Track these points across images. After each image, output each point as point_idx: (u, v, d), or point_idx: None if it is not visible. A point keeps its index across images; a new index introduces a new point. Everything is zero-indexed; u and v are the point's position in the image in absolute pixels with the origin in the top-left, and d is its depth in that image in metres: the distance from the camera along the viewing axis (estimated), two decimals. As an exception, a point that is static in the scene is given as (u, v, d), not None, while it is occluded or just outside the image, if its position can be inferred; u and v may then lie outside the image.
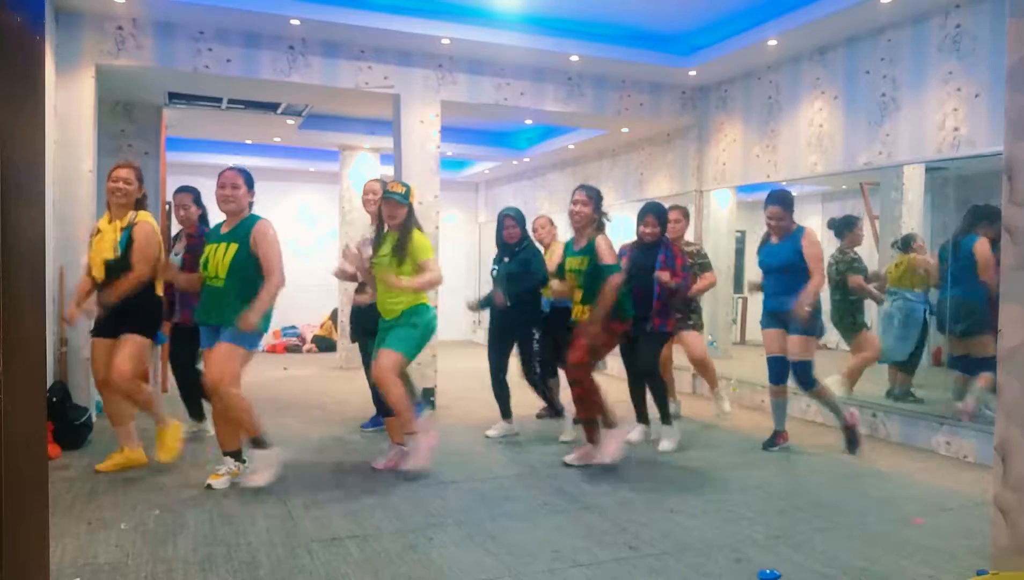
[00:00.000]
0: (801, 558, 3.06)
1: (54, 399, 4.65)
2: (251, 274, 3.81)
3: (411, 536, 3.25)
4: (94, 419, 5.02)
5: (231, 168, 3.98)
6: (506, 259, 5.23)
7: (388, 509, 3.60)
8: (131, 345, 4.04)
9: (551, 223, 5.86)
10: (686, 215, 5.75)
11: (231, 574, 2.83)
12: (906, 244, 5.72)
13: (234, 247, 3.81)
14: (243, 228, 3.87)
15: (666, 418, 4.93)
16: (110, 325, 4.11)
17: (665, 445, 4.87)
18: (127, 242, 4.03)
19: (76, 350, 5.25)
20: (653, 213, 4.91)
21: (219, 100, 7.23)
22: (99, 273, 4.04)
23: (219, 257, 3.81)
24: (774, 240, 4.90)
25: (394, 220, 4.13)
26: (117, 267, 4.02)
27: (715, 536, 3.31)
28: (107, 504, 3.59)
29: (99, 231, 4.12)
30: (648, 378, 4.92)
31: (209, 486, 3.84)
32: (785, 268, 4.81)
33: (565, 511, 3.62)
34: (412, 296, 4.12)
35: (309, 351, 10.44)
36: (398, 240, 4.12)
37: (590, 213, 4.44)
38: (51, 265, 5.03)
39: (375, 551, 3.07)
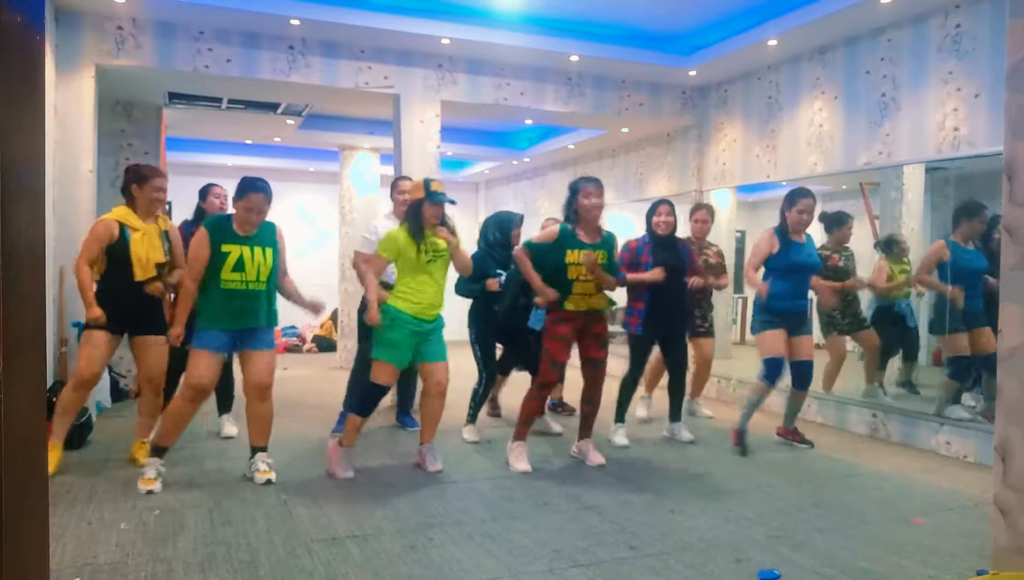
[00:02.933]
0: (801, 558, 3.06)
1: (54, 399, 4.64)
2: (277, 276, 4.03)
3: (411, 536, 3.25)
4: (94, 419, 5.03)
5: (260, 190, 3.89)
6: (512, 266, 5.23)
7: (388, 509, 3.60)
8: (164, 347, 4.23)
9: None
10: (712, 215, 5.77)
11: (231, 574, 2.83)
12: (888, 247, 5.73)
13: (271, 251, 3.94)
14: (269, 232, 4.00)
15: (622, 417, 5.08)
16: (121, 323, 4.16)
17: (620, 440, 4.99)
18: (168, 244, 4.24)
19: (76, 350, 5.24)
20: (669, 204, 5.00)
21: (219, 100, 7.23)
22: (151, 272, 4.12)
23: (260, 260, 3.88)
24: (797, 238, 4.87)
25: (437, 219, 4.18)
26: (158, 269, 4.17)
27: (715, 536, 3.31)
28: (107, 504, 3.59)
29: (135, 229, 4.10)
30: (633, 374, 5.06)
31: (269, 481, 3.96)
32: (815, 268, 4.93)
33: (565, 511, 3.62)
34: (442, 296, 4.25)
35: (309, 351, 10.44)
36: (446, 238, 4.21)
37: (603, 205, 4.44)
38: (51, 265, 5.04)
39: (375, 551, 3.07)
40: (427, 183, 4.14)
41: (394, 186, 5.23)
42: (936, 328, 5.32)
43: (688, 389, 5.66)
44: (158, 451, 3.93)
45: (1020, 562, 2.53)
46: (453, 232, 4.24)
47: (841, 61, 5.83)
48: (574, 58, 6.43)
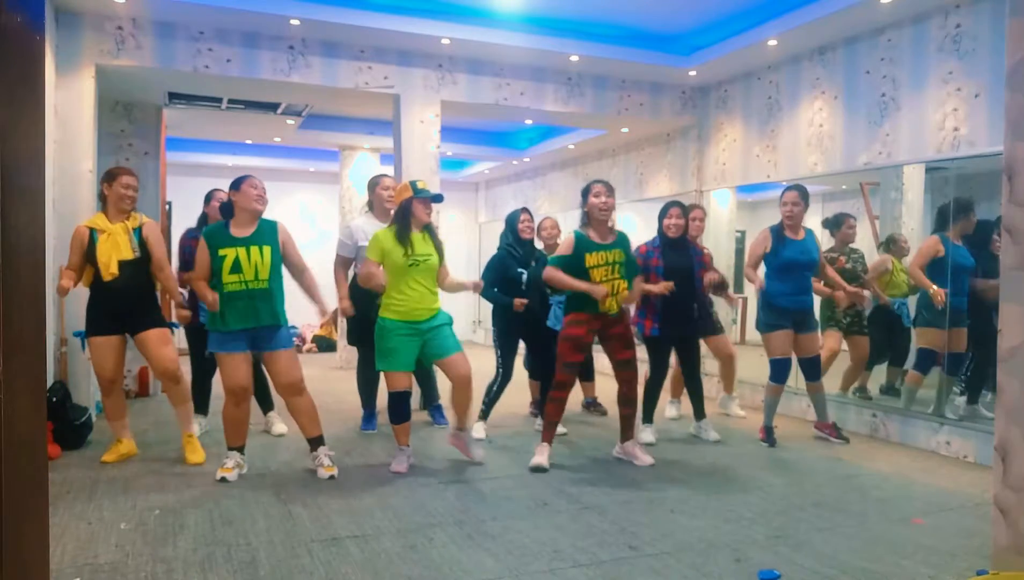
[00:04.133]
0: (801, 558, 3.06)
1: (54, 399, 4.65)
2: (281, 273, 4.07)
3: (411, 536, 3.25)
4: (94, 419, 5.03)
5: (252, 176, 4.11)
6: (533, 262, 5.24)
7: (388, 509, 3.61)
8: (165, 335, 4.35)
9: (557, 225, 5.95)
10: (705, 214, 5.82)
11: (231, 574, 2.83)
12: (887, 245, 5.75)
13: (268, 249, 3.99)
14: (268, 230, 4.06)
15: (650, 418, 5.12)
16: (118, 324, 4.26)
17: (648, 437, 5.02)
18: (141, 241, 4.26)
19: (76, 350, 5.25)
20: (680, 206, 5.02)
21: (219, 100, 7.23)
22: (114, 272, 4.17)
23: (257, 260, 3.93)
24: (792, 235, 4.89)
25: (428, 216, 4.24)
26: (133, 265, 4.21)
27: (715, 536, 3.31)
28: (107, 504, 3.59)
29: (102, 231, 4.21)
30: (659, 376, 5.10)
31: (332, 477, 4.09)
32: (811, 265, 4.94)
33: (565, 511, 3.62)
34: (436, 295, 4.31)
35: (309, 351, 10.44)
36: (432, 239, 4.28)
37: (612, 204, 4.45)
38: (51, 265, 5.03)
39: (375, 551, 3.07)
40: (413, 183, 4.24)
41: (376, 183, 5.24)
42: (918, 321, 5.32)
43: (723, 385, 6.01)
44: (235, 448, 4.13)
45: (1020, 562, 2.53)
46: (439, 243, 4.31)
47: (841, 61, 5.83)
48: (574, 58, 6.43)
